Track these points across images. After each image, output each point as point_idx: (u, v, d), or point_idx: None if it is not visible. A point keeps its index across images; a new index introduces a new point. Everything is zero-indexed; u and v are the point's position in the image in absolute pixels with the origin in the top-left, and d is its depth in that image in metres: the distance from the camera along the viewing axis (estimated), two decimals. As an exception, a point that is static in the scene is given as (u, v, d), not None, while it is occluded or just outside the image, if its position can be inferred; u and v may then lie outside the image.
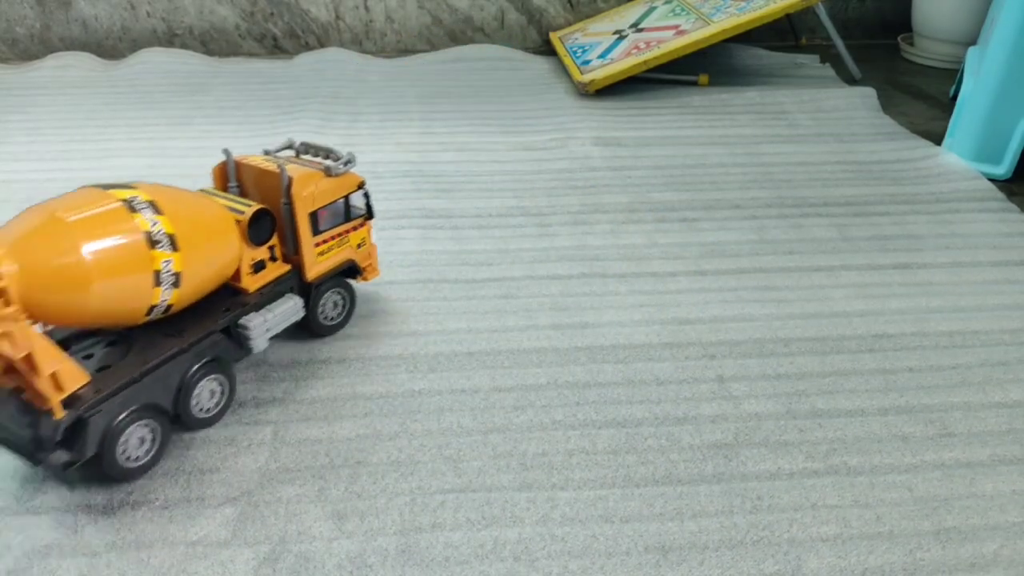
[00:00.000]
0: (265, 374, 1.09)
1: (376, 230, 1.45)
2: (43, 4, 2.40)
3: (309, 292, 1.10)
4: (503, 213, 1.52)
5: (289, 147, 1.17)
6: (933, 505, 0.90)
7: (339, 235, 1.12)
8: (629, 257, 1.37)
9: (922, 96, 2.21)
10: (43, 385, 0.82)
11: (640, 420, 1.02)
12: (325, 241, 1.10)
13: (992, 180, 1.66)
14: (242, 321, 1.00)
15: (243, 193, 1.11)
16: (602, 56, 2.21)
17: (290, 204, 1.05)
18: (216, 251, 0.97)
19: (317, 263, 1.10)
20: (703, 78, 2.18)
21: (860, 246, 1.41)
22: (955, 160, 1.74)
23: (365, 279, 1.19)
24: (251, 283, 1.04)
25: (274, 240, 1.05)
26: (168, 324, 0.96)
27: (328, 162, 1.12)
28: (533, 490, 0.92)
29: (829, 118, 1.98)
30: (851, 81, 2.24)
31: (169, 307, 0.93)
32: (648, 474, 0.94)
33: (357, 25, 2.52)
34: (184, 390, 0.95)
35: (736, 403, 1.05)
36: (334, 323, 1.16)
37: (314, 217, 1.07)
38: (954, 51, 2.38)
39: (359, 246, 1.16)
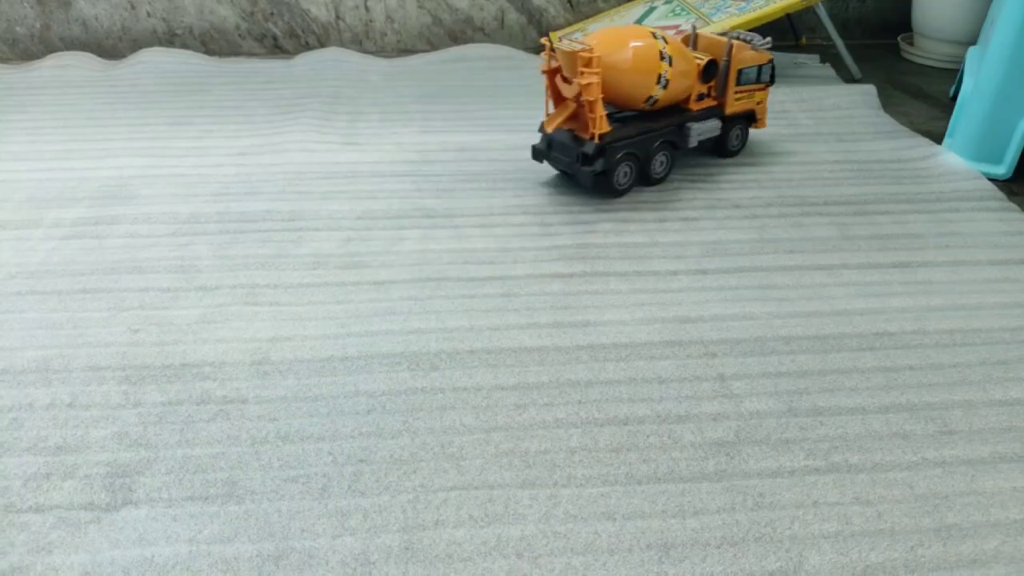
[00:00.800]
0: (268, 372, 1.09)
1: (376, 230, 1.46)
2: (43, 4, 2.40)
3: (725, 122, 1.68)
4: (504, 212, 1.52)
5: (725, 34, 1.69)
6: (934, 502, 0.90)
7: (749, 91, 1.69)
8: (630, 256, 1.38)
9: (922, 96, 2.21)
10: (595, 122, 1.46)
11: (642, 418, 1.02)
12: (740, 92, 1.67)
13: (992, 180, 1.67)
14: (687, 124, 1.61)
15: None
16: (602, 56, 2.22)
17: (729, 60, 1.62)
18: (686, 77, 1.57)
19: (733, 104, 1.67)
20: (703, 78, 2.19)
21: (860, 245, 1.42)
22: (955, 160, 1.74)
23: (757, 127, 1.76)
24: (695, 107, 1.63)
25: (712, 83, 1.64)
26: (650, 115, 1.59)
27: (753, 43, 1.66)
28: (535, 488, 0.92)
29: (829, 117, 1.98)
30: (851, 81, 2.24)
31: (656, 101, 1.54)
32: (650, 472, 0.94)
33: (357, 25, 2.52)
34: (650, 154, 1.57)
35: (737, 401, 1.05)
36: (735, 149, 1.75)
37: (739, 74, 1.64)
38: (954, 51, 2.38)
39: (759, 103, 1.73)
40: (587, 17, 2.57)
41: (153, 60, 2.35)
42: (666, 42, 1.51)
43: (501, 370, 1.10)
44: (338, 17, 2.50)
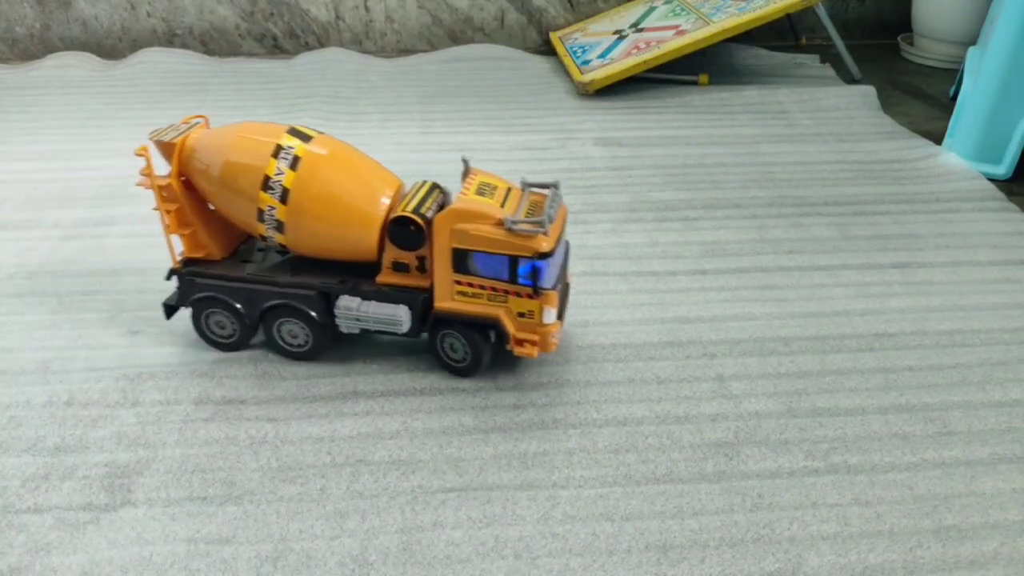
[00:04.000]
0: (266, 372, 1.09)
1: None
2: (43, 4, 2.40)
3: (437, 321, 1.05)
4: (503, 212, 1.52)
5: (533, 187, 1.07)
6: (933, 503, 0.90)
7: (491, 289, 1.02)
8: (629, 256, 1.37)
9: (922, 96, 2.21)
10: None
11: (640, 419, 1.02)
12: (468, 283, 1.03)
13: (992, 180, 1.66)
14: (339, 295, 1.07)
15: None
16: (602, 56, 2.22)
17: (430, 227, 1.01)
18: (335, 226, 1.04)
19: (451, 298, 1.04)
20: (703, 78, 2.19)
21: (860, 245, 1.42)
22: (955, 160, 1.74)
23: (517, 350, 1.05)
24: (386, 278, 1.07)
25: (422, 253, 1.04)
26: (303, 263, 1.11)
27: (545, 212, 1.01)
28: (534, 489, 0.92)
29: (829, 117, 1.98)
30: (851, 81, 2.24)
31: (282, 246, 1.07)
32: (649, 472, 0.94)
33: (357, 25, 2.52)
34: (266, 315, 1.09)
35: (736, 402, 1.05)
36: (456, 364, 1.09)
37: (464, 256, 1.00)
38: (954, 51, 2.38)
39: (522, 315, 1.03)
40: (587, 17, 2.57)
41: (153, 60, 2.35)
42: (295, 164, 0.98)
43: (499, 371, 1.10)
44: (338, 17, 2.50)
